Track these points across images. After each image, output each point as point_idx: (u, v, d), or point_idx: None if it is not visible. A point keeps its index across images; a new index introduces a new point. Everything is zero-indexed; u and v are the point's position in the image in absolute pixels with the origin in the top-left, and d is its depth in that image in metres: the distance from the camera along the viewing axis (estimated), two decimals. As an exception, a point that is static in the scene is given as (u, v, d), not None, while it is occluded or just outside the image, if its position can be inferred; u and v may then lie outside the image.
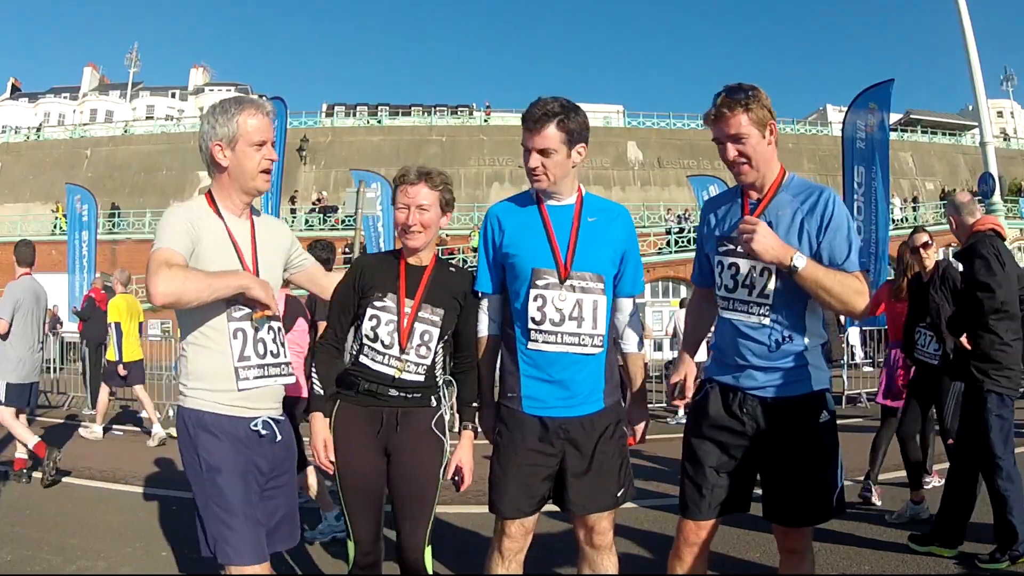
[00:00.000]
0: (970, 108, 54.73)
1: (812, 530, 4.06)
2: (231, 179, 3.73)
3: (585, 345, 3.98)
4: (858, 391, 18.12)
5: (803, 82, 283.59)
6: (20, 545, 6.83)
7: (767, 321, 3.84)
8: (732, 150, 3.82)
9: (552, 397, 3.98)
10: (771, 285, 3.83)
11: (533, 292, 3.96)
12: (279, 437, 3.77)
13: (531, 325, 3.97)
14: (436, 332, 4.06)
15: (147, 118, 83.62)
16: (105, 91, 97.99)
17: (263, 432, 3.68)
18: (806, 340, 3.88)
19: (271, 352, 3.77)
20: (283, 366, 3.84)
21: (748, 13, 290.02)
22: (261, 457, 3.69)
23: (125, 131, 64.24)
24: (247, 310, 3.67)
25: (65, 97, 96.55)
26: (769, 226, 3.74)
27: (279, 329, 3.86)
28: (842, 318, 19.41)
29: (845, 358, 19.14)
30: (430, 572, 4.14)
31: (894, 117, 50.58)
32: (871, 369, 22.01)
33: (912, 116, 75.57)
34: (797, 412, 3.84)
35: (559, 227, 4.05)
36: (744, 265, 3.89)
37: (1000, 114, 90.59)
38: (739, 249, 3.88)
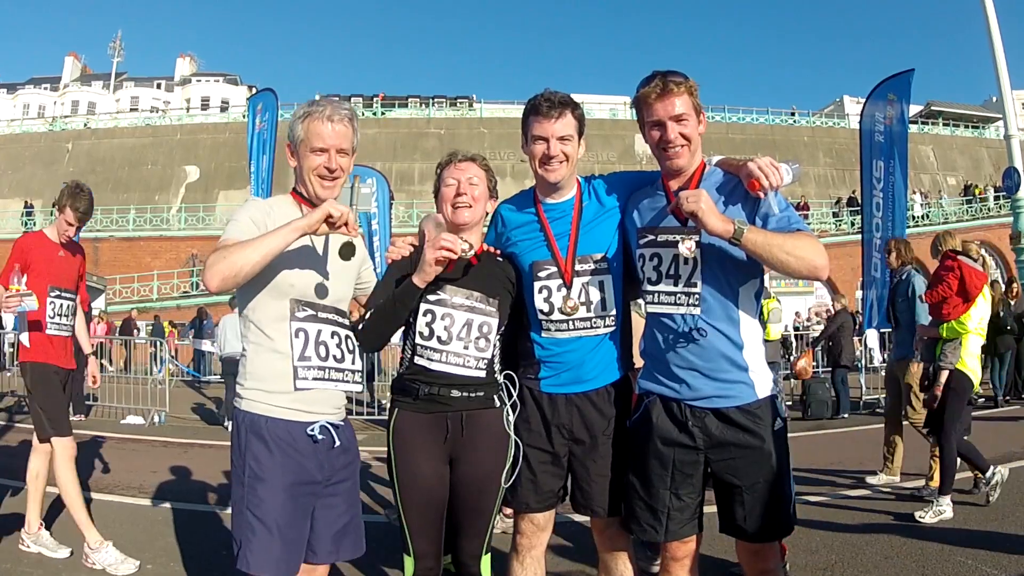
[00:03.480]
0: (994, 100, 54.74)
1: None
2: (299, 181, 3.89)
3: (597, 327, 4.10)
4: (876, 395, 17.96)
5: (819, 72, 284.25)
6: (18, 563, 6.83)
7: (697, 312, 3.82)
8: (674, 129, 3.81)
9: (567, 375, 4.12)
10: (697, 275, 3.81)
11: (537, 284, 4.11)
12: (337, 443, 3.82)
13: (540, 316, 4.12)
14: (494, 323, 4.07)
15: (131, 110, 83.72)
16: (87, 81, 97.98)
17: (319, 437, 3.73)
18: (741, 336, 3.86)
19: (334, 356, 3.84)
20: (347, 372, 3.91)
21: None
22: (316, 464, 3.75)
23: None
24: (311, 311, 3.77)
25: (45, 88, 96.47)
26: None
27: (345, 336, 3.93)
28: (859, 319, 19.56)
29: (863, 361, 19.15)
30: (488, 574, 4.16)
31: (914, 109, 50.64)
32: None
33: (933, 108, 75.56)
34: (750, 422, 3.83)
35: (559, 221, 4.19)
36: (666, 256, 3.88)
37: None
38: (662, 239, 3.89)
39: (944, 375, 8.36)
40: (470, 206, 4.11)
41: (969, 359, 8.43)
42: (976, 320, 8.46)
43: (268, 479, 3.61)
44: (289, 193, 3.97)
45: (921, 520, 7.92)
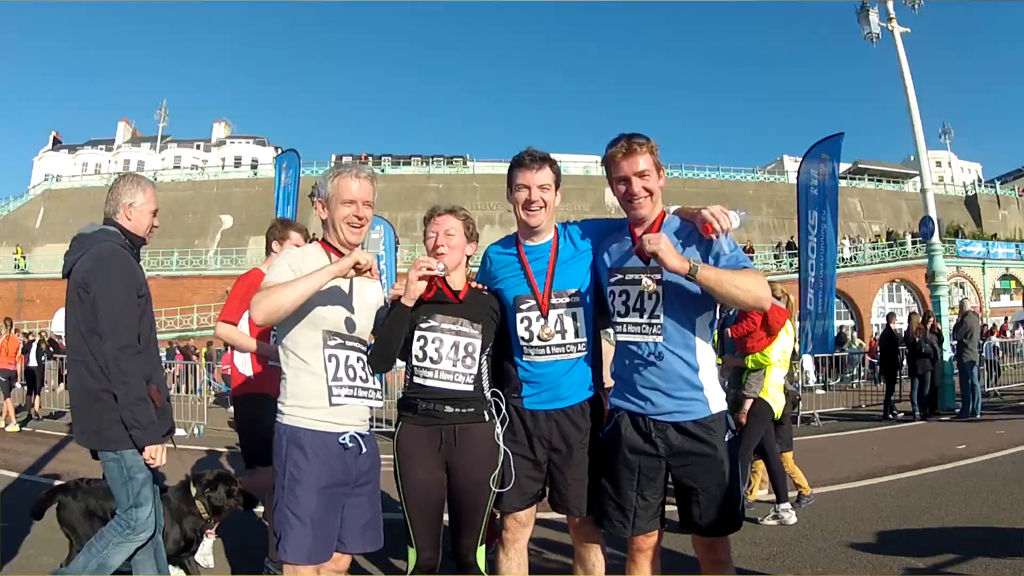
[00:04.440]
0: (912, 158, 55.33)
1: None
2: (329, 230, 4.03)
3: (570, 352, 4.15)
4: (812, 411, 17.98)
5: (762, 134, 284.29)
6: (59, 548, 6.80)
7: (660, 340, 3.86)
8: (638, 184, 3.89)
9: (546, 394, 4.17)
10: (659, 308, 3.85)
11: (519, 315, 4.17)
12: (364, 450, 3.92)
13: (522, 343, 4.17)
14: (478, 343, 4.12)
15: (174, 167, 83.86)
16: (137, 143, 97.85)
17: (349, 445, 3.84)
18: (697, 360, 3.90)
19: (360, 377, 3.96)
20: (371, 390, 4.02)
21: (710, 71, 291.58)
22: (345, 468, 3.85)
23: (155, 178, 64.45)
24: (340, 340, 3.89)
25: (101, 148, 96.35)
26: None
27: (360, 361, 4.01)
28: (796, 347, 19.59)
29: (800, 382, 19.19)
30: (482, 567, 4.22)
31: (844, 166, 50.98)
32: (823, 392, 22.11)
33: (860, 165, 75.91)
34: (705, 434, 3.87)
35: (538, 261, 4.26)
36: (633, 292, 3.92)
37: (939, 164, 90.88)
38: (628, 277, 3.94)
39: (748, 403, 8.21)
40: (446, 252, 4.17)
41: (772, 388, 8.28)
42: (779, 352, 8.30)
43: (304, 482, 3.72)
44: (318, 243, 4.08)
45: (764, 522, 7.97)
